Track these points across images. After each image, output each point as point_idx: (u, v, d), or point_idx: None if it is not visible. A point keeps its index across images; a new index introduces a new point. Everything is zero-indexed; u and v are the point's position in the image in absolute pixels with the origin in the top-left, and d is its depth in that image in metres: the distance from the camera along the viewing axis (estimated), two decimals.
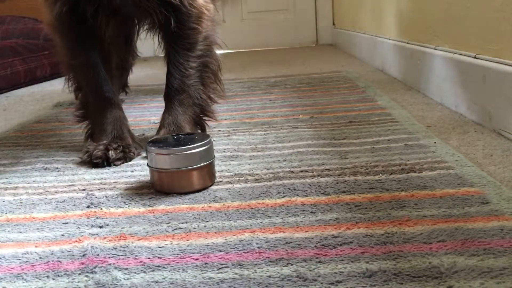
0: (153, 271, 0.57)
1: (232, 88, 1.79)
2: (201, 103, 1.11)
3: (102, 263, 0.59)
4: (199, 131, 1.12)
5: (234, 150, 1.03)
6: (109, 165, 0.99)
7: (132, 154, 1.03)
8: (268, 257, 0.58)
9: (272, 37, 3.63)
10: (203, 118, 1.13)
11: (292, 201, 0.74)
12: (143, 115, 1.47)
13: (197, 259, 0.59)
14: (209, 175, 0.83)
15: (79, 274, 0.57)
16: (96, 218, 0.73)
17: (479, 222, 0.63)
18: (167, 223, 0.70)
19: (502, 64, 1.02)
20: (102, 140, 1.04)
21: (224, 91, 1.20)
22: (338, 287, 0.52)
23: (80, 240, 0.66)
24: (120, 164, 1.00)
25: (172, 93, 1.09)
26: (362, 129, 1.12)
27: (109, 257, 0.61)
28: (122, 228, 0.69)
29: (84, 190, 0.85)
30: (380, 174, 0.82)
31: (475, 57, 1.15)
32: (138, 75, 2.26)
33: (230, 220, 0.69)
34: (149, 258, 0.60)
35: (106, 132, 1.06)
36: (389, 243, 0.59)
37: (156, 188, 0.83)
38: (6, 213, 0.77)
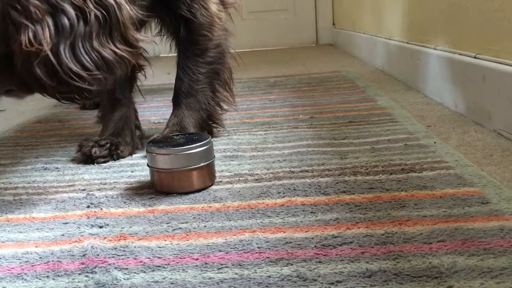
0: (153, 271, 0.57)
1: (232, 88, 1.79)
2: (209, 109, 1.11)
3: (102, 263, 0.59)
4: None
5: (234, 150, 1.03)
6: (92, 162, 0.99)
7: (119, 152, 1.02)
8: (268, 257, 0.58)
9: (272, 37, 3.63)
10: (211, 124, 1.13)
11: (292, 201, 0.74)
12: (143, 115, 1.46)
13: (197, 259, 0.59)
14: (209, 175, 0.83)
15: (79, 274, 0.57)
16: (96, 218, 0.73)
17: (479, 222, 0.63)
18: (167, 223, 0.70)
19: (502, 64, 1.02)
20: (101, 137, 1.05)
21: (236, 101, 1.20)
22: (338, 287, 0.52)
23: (80, 240, 0.66)
24: (103, 162, 1.00)
25: (179, 97, 1.09)
26: (362, 129, 1.12)
27: (109, 257, 0.61)
28: (122, 228, 0.69)
29: (84, 190, 0.85)
30: (380, 174, 0.82)
31: (475, 57, 1.15)
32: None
33: (230, 220, 0.69)
34: (149, 258, 0.60)
35: (108, 129, 1.08)
36: (389, 243, 0.59)
37: (156, 188, 0.83)
38: (6, 213, 0.77)
